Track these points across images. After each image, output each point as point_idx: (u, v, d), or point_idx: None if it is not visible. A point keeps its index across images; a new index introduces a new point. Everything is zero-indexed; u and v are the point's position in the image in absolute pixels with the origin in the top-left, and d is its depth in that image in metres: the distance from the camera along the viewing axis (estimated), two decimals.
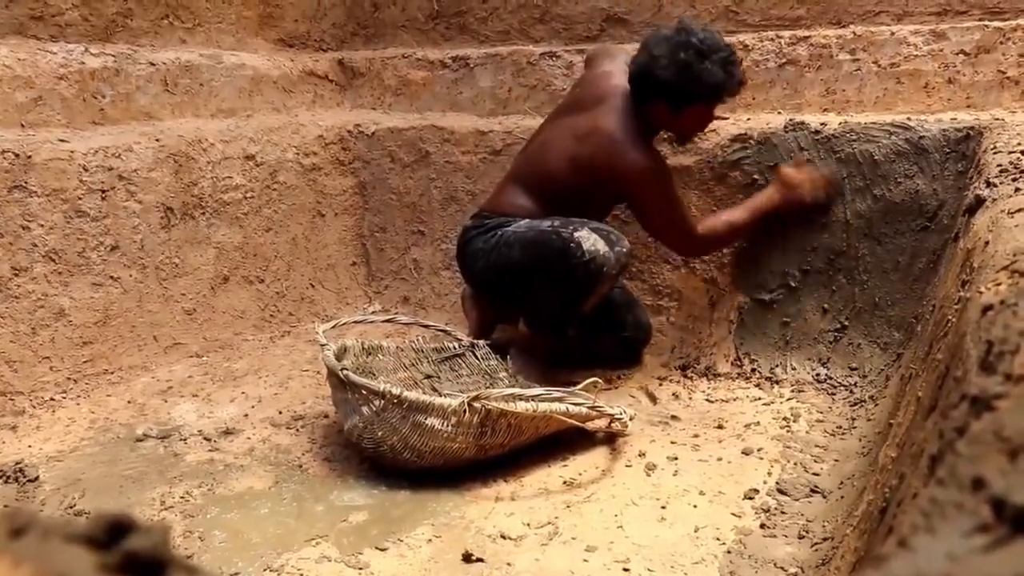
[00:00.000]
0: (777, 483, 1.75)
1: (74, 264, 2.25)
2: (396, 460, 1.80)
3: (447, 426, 1.73)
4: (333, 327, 2.07)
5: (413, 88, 3.20)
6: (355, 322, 2.29)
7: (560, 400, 1.84)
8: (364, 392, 1.78)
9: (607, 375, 2.36)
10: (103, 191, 2.31)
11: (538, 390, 1.87)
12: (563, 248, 2.09)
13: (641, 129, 2.23)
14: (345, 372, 1.81)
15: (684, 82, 2.11)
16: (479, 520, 1.65)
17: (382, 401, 1.76)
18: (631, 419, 1.94)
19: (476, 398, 1.72)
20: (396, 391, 1.74)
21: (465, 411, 1.72)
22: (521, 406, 1.76)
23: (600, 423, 1.97)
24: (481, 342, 2.37)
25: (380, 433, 1.78)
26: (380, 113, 3.25)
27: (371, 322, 2.45)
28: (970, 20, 2.38)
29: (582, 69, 2.80)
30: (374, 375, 2.10)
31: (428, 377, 2.25)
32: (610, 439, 1.99)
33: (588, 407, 1.87)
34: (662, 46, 2.14)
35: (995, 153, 1.79)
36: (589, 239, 2.10)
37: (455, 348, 2.35)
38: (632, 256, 2.27)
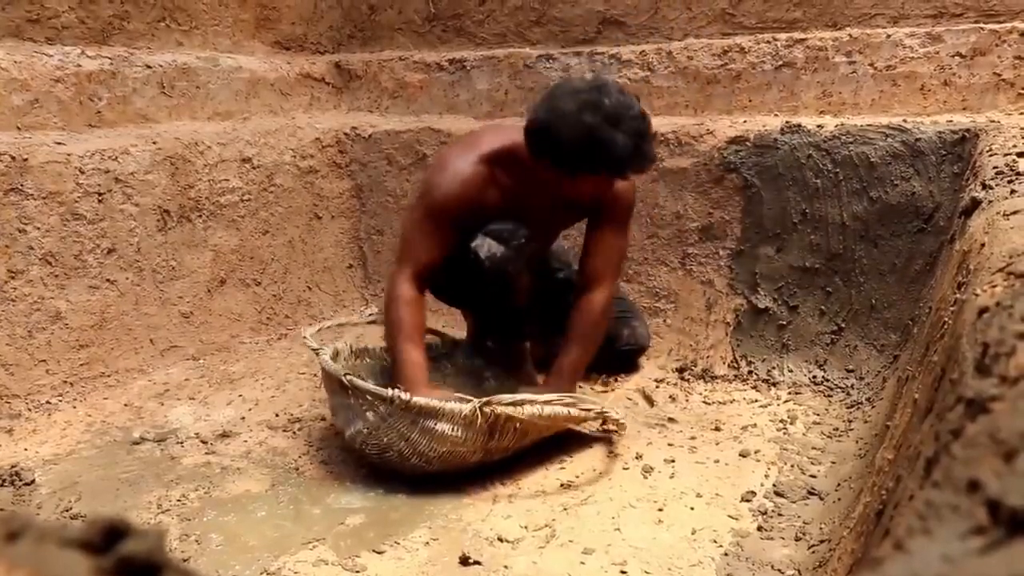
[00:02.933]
0: (774, 485, 1.75)
1: (70, 267, 2.25)
2: (403, 466, 1.78)
3: (456, 431, 1.72)
4: (318, 331, 2.06)
5: (410, 91, 3.21)
6: (338, 325, 2.28)
7: (570, 404, 1.84)
8: (369, 397, 1.76)
9: (603, 379, 2.36)
10: (100, 194, 2.30)
11: (551, 395, 1.86)
12: (467, 264, 2.02)
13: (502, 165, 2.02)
14: (349, 377, 1.78)
15: (584, 148, 1.83)
16: (476, 523, 1.65)
17: (389, 407, 1.73)
18: (622, 419, 1.95)
19: (488, 403, 1.71)
20: (405, 396, 1.72)
21: (477, 416, 1.71)
22: (529, 410, 1.76)
23: (595, 422, 1.97)
24: (465, 343, 2.37)
25: (386, 439, 1.75)
26: (377, 116, 3.25)
27: (354, 324, 2.44)
28: (966, 22, 2.39)
29: (579, 71, 2.81)
30: (363, 378, 2.09)
31: None
32: (607, 441, 1.99)
33: (597, 411, 1.87)
34: (569, 100, 1.85)
35: (991, 155, 1.80)
36: (483, 245, 2.01)
37: (439, 348, 2.35)
38: (531, 243, 2.08)
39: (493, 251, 2.01)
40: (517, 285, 2.10)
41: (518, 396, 1.80)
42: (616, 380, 2.38)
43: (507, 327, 2.25)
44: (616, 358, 2.41)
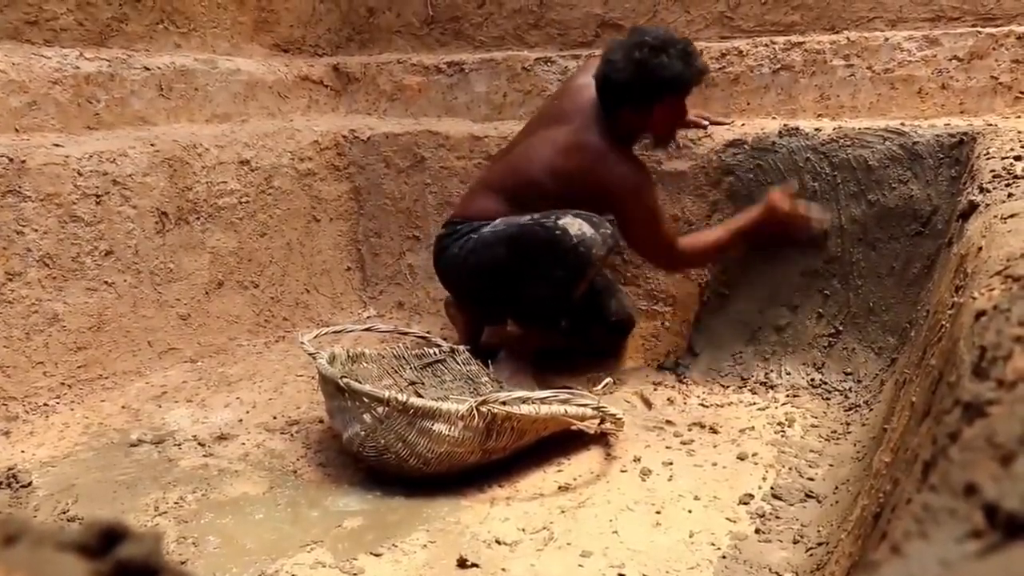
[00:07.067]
0: (772, 488, 1.75)
1: (68, 269, 2.25)
2: (401, 468, 1.77)
3: (454, 431, 1.72)
4: (315, 337, 2.06)
5: (408, 93, 3.21)
6: (334, 332, 2.26)
7: (566, 402, 1.84)
8: (366, 400, 1.76)
9: (598, 376, 2.36)
10: (97, 196, 2.30)
11: (546, 392, 1.87)
12: (549, 238, 2.10)
13: (620, 139, 2.23)
14: (346, 380, 1.78)
15: (642, 79, 2.12)
16: (474, 525, 1.65)
17: (386, 408, 1.73)
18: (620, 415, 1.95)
19: (484, 402, 1.72)
20: (402, 397, 1.72)
21: (474, 416, 1.71)
22: (526, 409, 1.77)
23: (593, 422, 1.97)
24: (461, 347, 2.37)
25: (383, 441, 1.75)
26: (375, 118, 3.25)
27: (350, 331, 2.43)
28: (963, 26, 2.40)
29: None
30: (360, 382, 2.09)
31: (412, 383, 2.24)
32: (605, 444, 1.99)
33: (594, 408, 1.87)
34: (617, 51, 2.16)
35: (988, 158, 1.80)
36: (574, 224, 2.11)
37: (435, 354, 2.35)
38: (619, 239, 2.24)
39: (584, 230, 2.11)
40: (591, 271, 2.16)
41: (514, 394, 1.81)
42: (616, 382, 2.38)
43: (546, 312, 2.27)
44: (610, 331, 2.47)
